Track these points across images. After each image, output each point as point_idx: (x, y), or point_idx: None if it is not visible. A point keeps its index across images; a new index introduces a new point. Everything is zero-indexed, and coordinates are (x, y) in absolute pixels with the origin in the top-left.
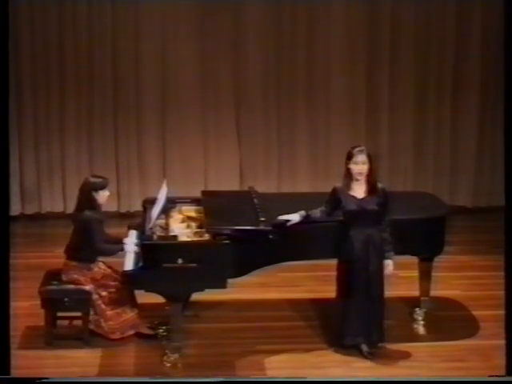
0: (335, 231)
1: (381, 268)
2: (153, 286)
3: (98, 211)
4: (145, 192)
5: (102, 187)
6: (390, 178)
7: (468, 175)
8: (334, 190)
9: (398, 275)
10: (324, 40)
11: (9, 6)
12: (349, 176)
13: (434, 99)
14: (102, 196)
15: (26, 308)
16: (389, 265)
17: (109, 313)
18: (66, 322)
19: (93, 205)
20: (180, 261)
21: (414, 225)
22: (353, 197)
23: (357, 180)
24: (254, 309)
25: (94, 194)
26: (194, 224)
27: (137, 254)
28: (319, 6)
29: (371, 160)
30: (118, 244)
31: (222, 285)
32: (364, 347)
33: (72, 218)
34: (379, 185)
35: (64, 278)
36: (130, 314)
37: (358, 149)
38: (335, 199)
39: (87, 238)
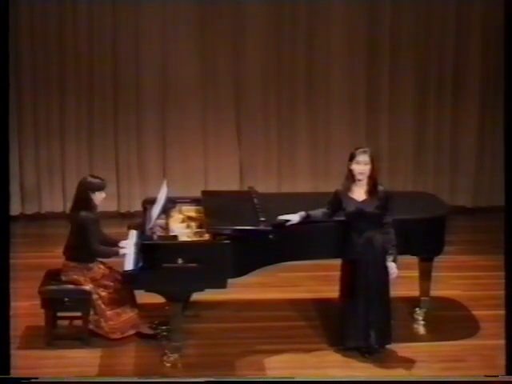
0: (335, 231)
1: (382, 271)
2: (153, 286)
3: (94, 211)
4: (145, 192)
5: (100, 188)
6: (390, 178)
7: (468, 175)
8: (336, 192)
9: (398, 275)
10: (324, 40)
11: (9, 6)
12: (350, 177)
13: (434, 99)
14: (99, 197)
15: (26, 308)
16: (392, 268)
17: (109, 313)
18: (66, 322)
19: (89, 205)
20: (180, 261)
21: (414, 225)
22: (353, 199)
23: (358, 181)
24: (253, 309)
25: (91, 194)
26: (193, 224)
27: (137, 253)
28: (319, 5)
29: (374, 162)
30: (115, 245)
31: (222, 285)
32: (364, 349)
33: (69, 218)
34: (380, 187)
35: (63, 278)
36: (129, 314)
37: (360, 150)
38: (337, 201)
39: (83, 238)
